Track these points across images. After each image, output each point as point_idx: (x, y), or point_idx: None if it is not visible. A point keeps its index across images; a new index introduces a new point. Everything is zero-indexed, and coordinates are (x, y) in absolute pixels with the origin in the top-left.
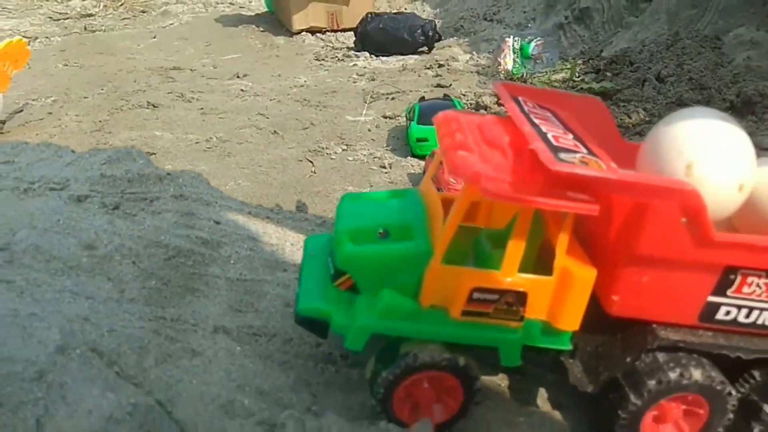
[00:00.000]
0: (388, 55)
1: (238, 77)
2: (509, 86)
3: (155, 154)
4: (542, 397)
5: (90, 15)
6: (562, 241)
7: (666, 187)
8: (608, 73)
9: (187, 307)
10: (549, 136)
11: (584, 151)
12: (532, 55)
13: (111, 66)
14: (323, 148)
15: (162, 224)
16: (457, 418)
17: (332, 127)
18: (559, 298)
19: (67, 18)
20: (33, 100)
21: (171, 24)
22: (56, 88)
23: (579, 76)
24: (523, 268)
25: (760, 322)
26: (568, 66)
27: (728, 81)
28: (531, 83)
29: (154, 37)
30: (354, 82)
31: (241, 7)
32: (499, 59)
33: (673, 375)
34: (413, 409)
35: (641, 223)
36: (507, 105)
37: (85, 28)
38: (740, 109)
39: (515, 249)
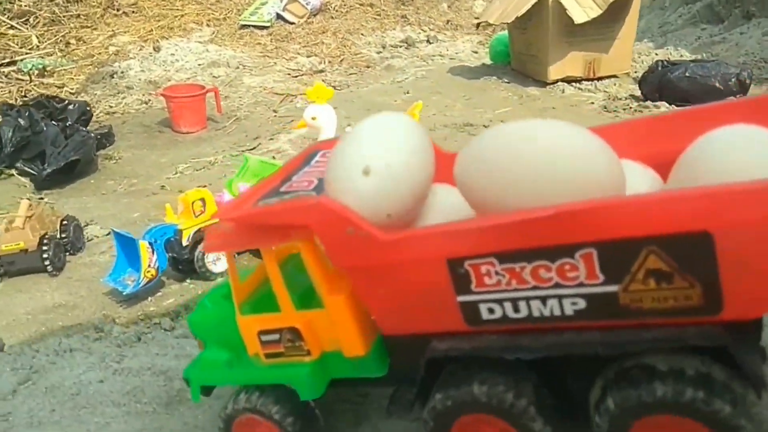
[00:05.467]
0: (690, 104)
1: None
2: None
3: None
4: None
5: (321, 71)
6: (313, 274)
7: (295, 206)
8: None
9: None
10: (291, 183)
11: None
12: None
13: None
14: None
15: None
16: None
17: None
18: (334, 327)
19: (302, 74)
20: None
21: (406, 78)
22: None
23: None
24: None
25: (536, 314)
26: None
27: None
28: None
29: (407, 93)
30: None
31: (452, 59)
32: None
33: (445, 394)
34: None
35: (324, 244)
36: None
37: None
38: None
39: (278, 289)
